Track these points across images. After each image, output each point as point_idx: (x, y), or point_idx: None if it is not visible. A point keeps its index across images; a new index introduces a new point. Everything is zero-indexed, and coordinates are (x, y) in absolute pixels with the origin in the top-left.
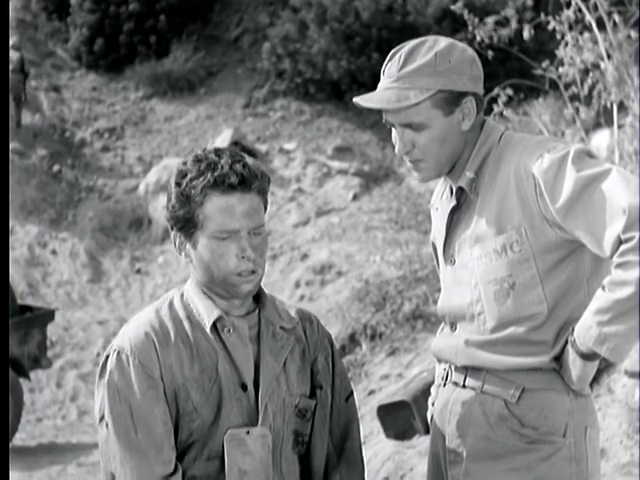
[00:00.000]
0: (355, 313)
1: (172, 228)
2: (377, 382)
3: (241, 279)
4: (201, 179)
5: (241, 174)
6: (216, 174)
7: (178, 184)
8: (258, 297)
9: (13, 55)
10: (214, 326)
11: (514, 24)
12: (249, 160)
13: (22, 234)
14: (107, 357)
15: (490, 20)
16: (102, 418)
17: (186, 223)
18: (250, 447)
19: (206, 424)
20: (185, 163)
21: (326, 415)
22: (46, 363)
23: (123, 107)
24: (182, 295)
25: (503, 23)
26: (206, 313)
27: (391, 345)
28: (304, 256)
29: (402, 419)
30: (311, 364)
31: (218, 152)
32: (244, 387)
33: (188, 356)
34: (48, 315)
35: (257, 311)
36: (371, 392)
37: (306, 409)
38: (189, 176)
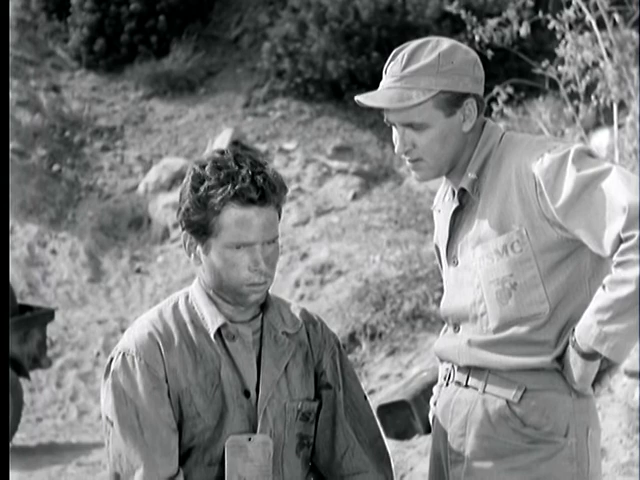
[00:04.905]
0: (355, 313)
1: (183, 230)
2: (377, 382)
3: (250, 289)
4: (220, 190)
5: (261, 188)
6: (237, 187)
7: (195, 189)
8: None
9: None
10: (218, 332)
11: (515, 26)
12: (269, 171)
13: (22, 234)
14: (112, 359)
15: (492, 22)
16: (107, 419)
17: (199, 228)
18: (251, 454)
19: (209, 429)
20: (203, 167)
21: (336, 415)
22: (46, 363)
23: (123, 107)
24: (187, 297)
25: (504, 24)
26: (210, 319)
27: (391, 345)
28: (304, 255)
29: (402, 419)
30: (315, 366)
31: (238, 160)
32: (247, 393)
33: (192, 360)
34: (48, 315)
35: (261, 315)
36: (371, 392)
37: (310, 412)
38: (207, 183)
